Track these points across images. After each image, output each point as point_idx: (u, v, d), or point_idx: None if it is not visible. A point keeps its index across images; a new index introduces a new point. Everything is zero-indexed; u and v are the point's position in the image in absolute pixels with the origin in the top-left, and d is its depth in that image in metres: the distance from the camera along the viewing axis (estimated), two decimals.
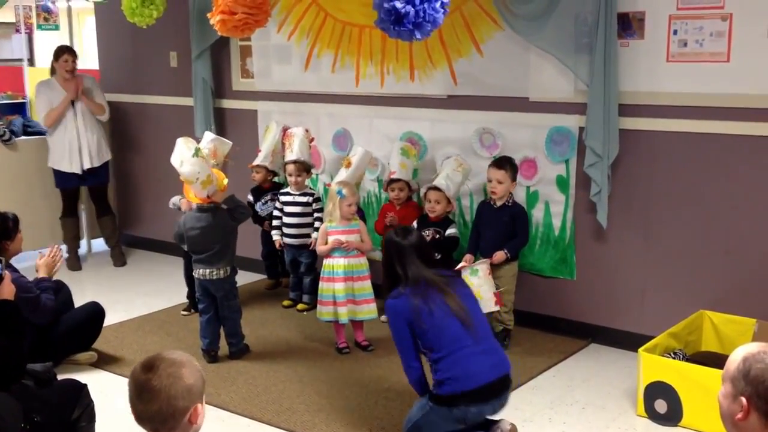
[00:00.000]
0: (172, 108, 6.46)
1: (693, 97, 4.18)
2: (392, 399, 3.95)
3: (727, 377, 1.85)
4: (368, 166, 5.20)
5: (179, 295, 5.44)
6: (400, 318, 3.27)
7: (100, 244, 6.84)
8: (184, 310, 5.29)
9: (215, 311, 4.47)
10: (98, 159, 6.28)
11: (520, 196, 4.77)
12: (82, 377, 3.76)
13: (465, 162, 4.78)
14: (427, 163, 5.16)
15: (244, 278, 5.57)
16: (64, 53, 6.12)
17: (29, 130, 6.69)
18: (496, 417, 3.36)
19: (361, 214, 5.08)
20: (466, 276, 4.20)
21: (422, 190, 4.86)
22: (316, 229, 4.97)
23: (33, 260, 4.45)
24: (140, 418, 2.01)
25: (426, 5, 3.17)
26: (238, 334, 4.55)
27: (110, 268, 6.50)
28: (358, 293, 4.51)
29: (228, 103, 6.15)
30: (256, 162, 5.49)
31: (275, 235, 5.33)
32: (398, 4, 3.15)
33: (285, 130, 5.44)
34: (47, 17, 7.95)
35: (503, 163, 4.55)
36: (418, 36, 3.24)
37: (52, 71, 6.25)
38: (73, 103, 6.14)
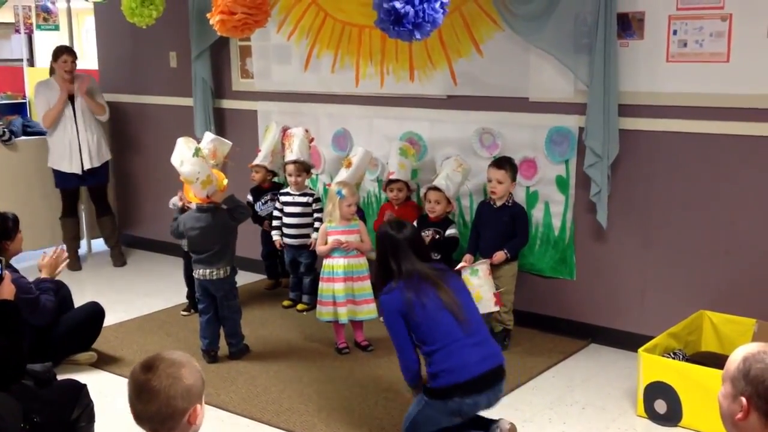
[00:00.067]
0: (172, 108, 6.46)
1: (693, 97, 4.18)
2: (392, 399, 3.95)
3: (727, 377, 1.85)
4: (368, 167, 5.20)
5: (179, 295, 5.44)
6: (394, 312, 3.27)
7: (99, 244, 6.84)
8: (183, 310, 5.29)
9: (215, 311, 4.47)
10: (98, 159, 6.28)
11: (520, 197, 4.77)
12: (81, 377, 3.77)
13: (465, 162, 4.78)
14: (427, 164, 5.16)
15: (244, 278, 5.57)
16: (64, 53, 6.12)
17: (29, 130, 6.70)
18: (494, 414, 3.36)
19: (361, 214, 5.08)
20: (466, 276, 4.21)
21: (422, 191, 4.86)
22: (316, 230, 4.97)
23: (33, 260, 4.45)
24: (139, 418, 2.01)
25: (425, 5, 3.17)
26: (238, 335, 4.55)
27: (110, 268, 6.51)
28: (357, 293, 4.51)
29: (228, 104, 6.15)
30: (256, 162, 5.49)
31: (275, 236, 5.33)
32: (398, 5, 3.15)
33: (285, 130, 5.44)
34: (47, 17, 7.94)
35: (503, 163, 4.55)
36: (418, 36, 3.24)
37: (52, 71, 6.25)
38: (72, 103, 6.14)
